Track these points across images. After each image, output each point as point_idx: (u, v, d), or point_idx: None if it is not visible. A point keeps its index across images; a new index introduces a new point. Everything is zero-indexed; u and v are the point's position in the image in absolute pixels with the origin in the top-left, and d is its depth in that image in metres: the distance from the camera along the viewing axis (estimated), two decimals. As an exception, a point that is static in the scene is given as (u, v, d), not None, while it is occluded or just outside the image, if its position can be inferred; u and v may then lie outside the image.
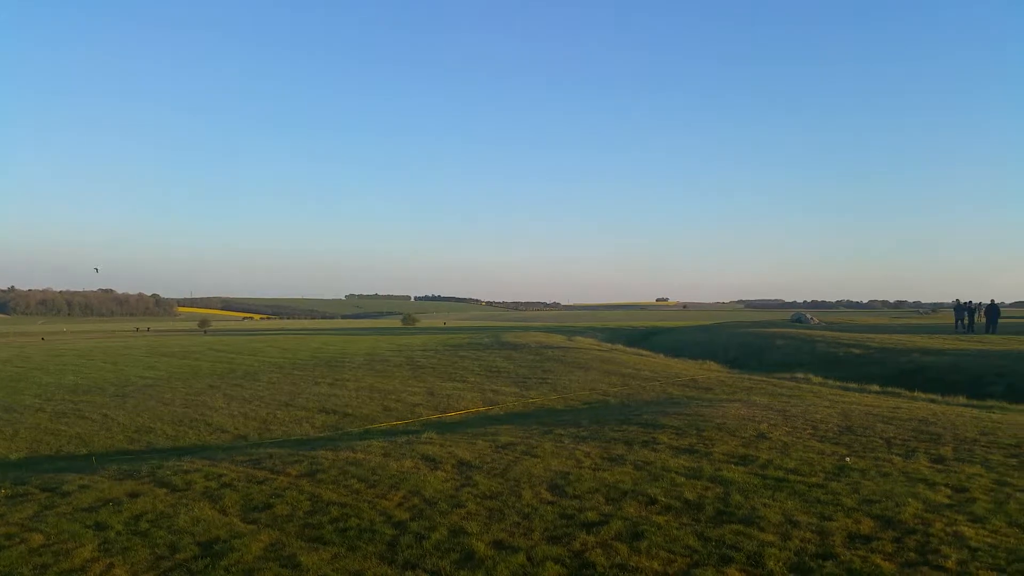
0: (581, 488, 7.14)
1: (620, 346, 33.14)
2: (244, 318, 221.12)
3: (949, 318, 45.80)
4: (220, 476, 8.01)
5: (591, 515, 6.27)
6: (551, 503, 6.68)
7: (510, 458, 8.63)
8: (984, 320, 35.21)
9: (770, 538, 5.64)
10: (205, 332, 67.74)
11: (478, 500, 6.83)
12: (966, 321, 36.32)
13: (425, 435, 10.29)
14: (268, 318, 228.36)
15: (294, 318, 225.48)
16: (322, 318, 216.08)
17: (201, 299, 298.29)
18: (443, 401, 15.49)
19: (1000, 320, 35.92)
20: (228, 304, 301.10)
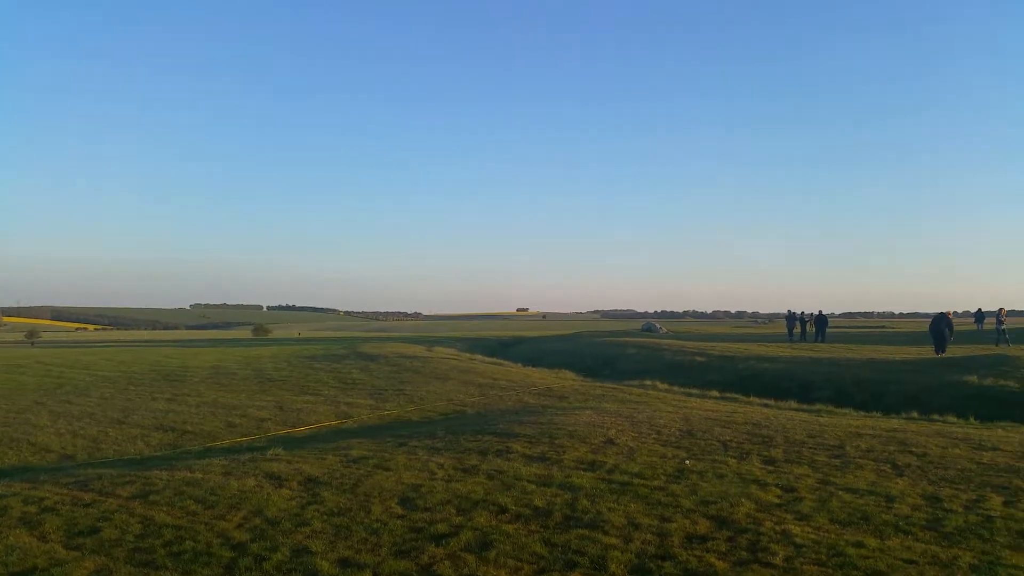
0: (433, 500, 7.07)
1: (480, 356, 33.33)
2: (77, 329, 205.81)
3: (784, 327, 49.09)
4: (41, 500, 7.37)
5: (441, 527, 6.21)
6: (401, 517, 6.56)
7: (361, 472, 8.44)
8: (814, 329, 38.04)
9: (614, 541, 5.79)
10: (33, 344, 62.65)
11: (325, 517, 6.61)
12: (797, 330, 39.12)
13: (271, 451, 9.88)
14: (104, 329, 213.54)
15: (133, 329, 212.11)
16: (164, 329, 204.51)
17: (29, 308, 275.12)
18: (293, 415, 14.98)
19: (828, 329, 38.96)
20: (59, 314, 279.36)
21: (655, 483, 7.67)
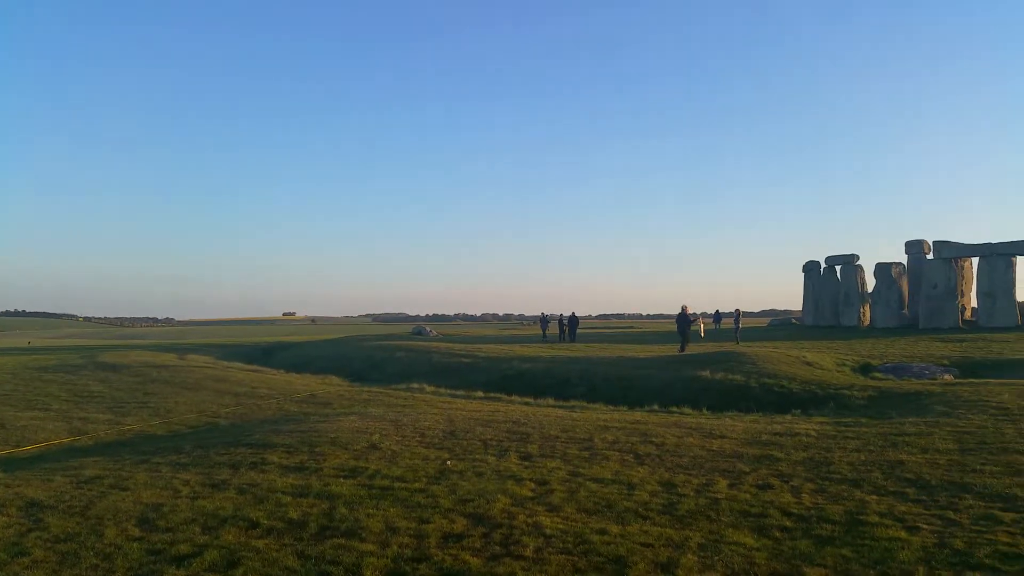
0: (176, 519, 6.53)
1: (239, 364, 31.59)
2: None
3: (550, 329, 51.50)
4: None
5: (184, 548, 5.75)
6: (138, 539, 6.00)
7: (94, 493, 7.62)
8: (567, 329, 40.33)
9: (370, 547, 5.68)
10: None
11: (49, 544, 5.89)
12: (554, 331, 41.43)
13: (-16, 476, 8.65)
14: None
15: None
16: None
17: None
18: (16, 434, 13.24)
19: (580, 330, 41.52)
20: None
21: (416, 486, 7.66)
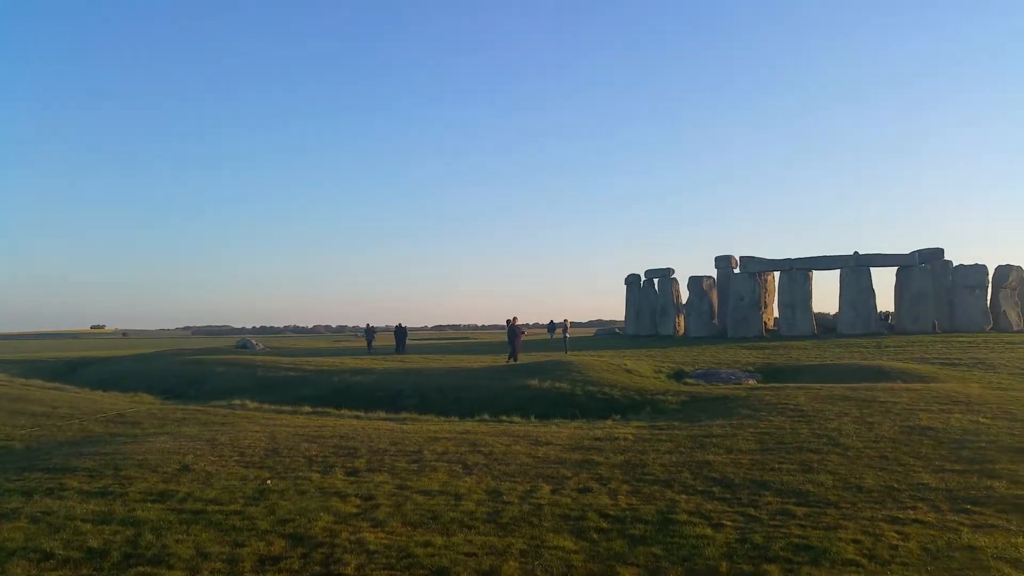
0: (-51, 558, 5.83)
1: (38, 381, 28.77)
2: None
3: (387, 340, 50.77)
4: None
5: (-43, 589, 5.14)
6: (-100, 584, 5.30)
7: None
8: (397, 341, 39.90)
9: (178, 575, 5.34)
10: None
11: None
12: (377, 342, 41.03)
13: None
14: None
15: None
16: None
17: None
18: None
19: (414, 341, 41.30)
20: None
21: (232, 508, 7.29)
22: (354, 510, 7.19)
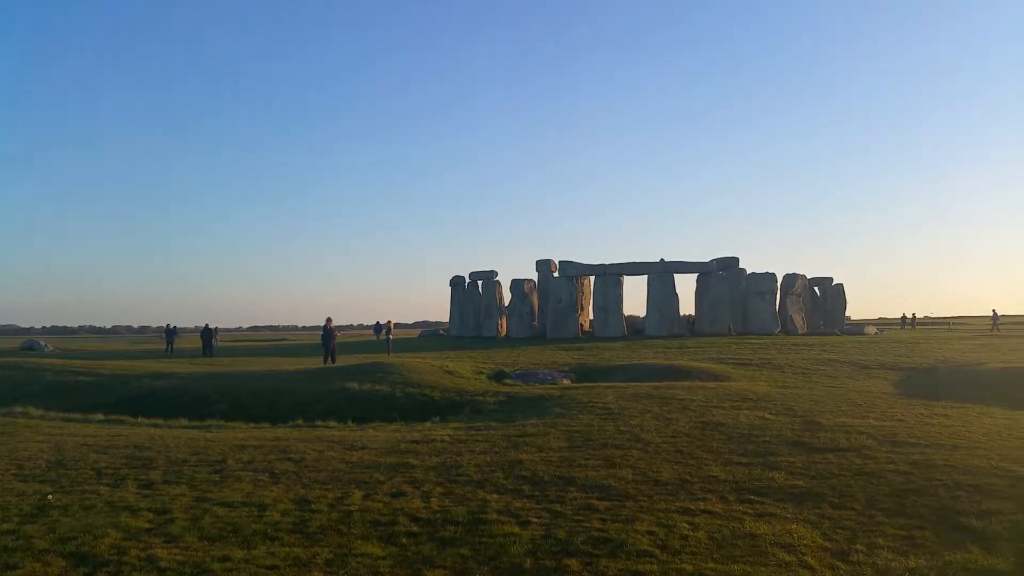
0: None
1: None
2: None
3: (193, 342, 47.83)
4: None
5: None
6: None
7: None
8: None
9: (-71, 610, 4.74)
10: None
11: None
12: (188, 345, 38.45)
13: None
14: None
15: None
16: None
17: None
18: None
19: (226, 343, 39.10)
20: None
21: (5, 527, 6.59)
22: (146, 525, 6.70)
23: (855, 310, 59.03)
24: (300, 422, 15.59)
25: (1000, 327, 48.39)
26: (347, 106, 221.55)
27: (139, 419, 16.19)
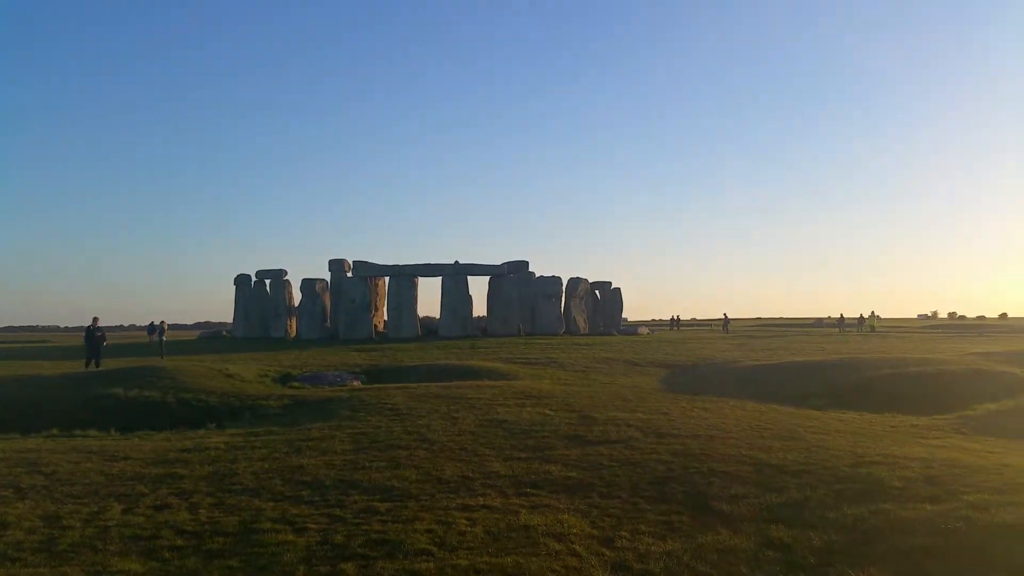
0: None
1: None
2: None
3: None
4: None
5: None
6: None
7: None
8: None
9: None
10: None
11: None
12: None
13: None
14: None
15: None
16: None
17: None
18: None
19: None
20: None
21: None
22: None
23: (631, 312, 63.25)
24: (55, 432, 14.13)
25: (731, 329, 54.95)
26: (119, 86, 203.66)
27: None
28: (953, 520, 6.07)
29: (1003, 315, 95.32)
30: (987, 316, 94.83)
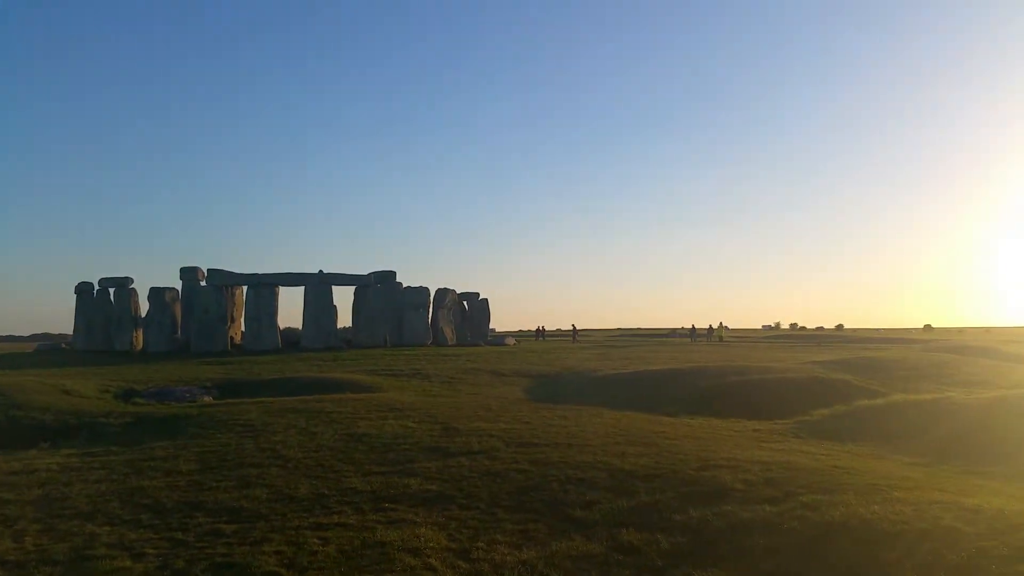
0: None
1: None
2: None
3: None
4: None
5: None
6: None
7: None
8: None
9: None
10: None
11: None
12: None
13: None
14: None
15: None
16: None
17: None
18: None
19: None
20: None
21: None
22: None
23: (498, 322, 63.94)
24: None
25: (584, 339, 57.62)
26: None
27: None
28: (789, 520, 6.46)
29: (839, 326, 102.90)
30: (825, 327, 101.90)
